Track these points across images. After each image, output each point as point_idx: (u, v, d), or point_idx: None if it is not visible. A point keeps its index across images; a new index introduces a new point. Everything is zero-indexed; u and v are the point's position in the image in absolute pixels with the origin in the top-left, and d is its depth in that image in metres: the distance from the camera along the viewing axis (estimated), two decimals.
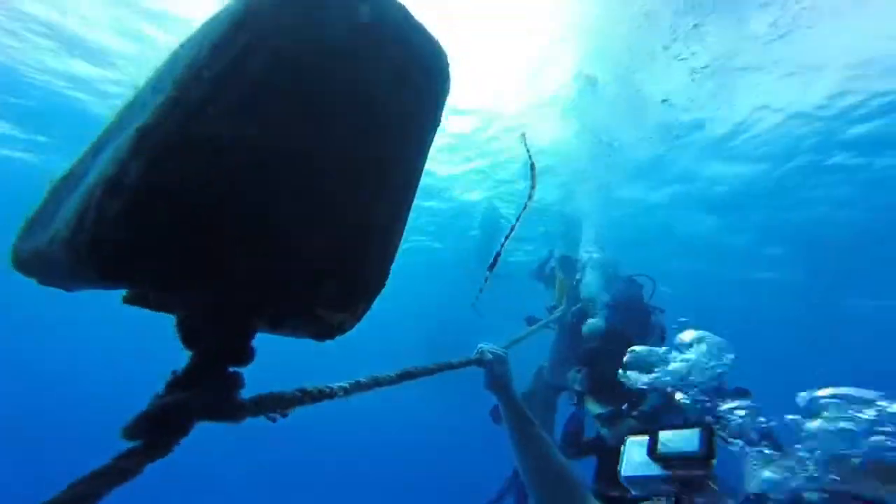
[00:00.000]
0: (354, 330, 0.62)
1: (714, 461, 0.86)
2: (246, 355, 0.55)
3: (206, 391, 0.52)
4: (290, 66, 0.53)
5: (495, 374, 1.87)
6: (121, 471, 0.43)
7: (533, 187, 1.65)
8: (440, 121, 0.69)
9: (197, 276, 0.49)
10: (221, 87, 0.50)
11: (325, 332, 0.60)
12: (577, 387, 2.90)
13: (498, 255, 1.59)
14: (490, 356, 1.89)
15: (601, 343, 3.02)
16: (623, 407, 2.45)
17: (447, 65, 0.68)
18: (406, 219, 0.65)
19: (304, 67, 0.54)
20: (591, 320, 3.31)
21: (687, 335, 1.85)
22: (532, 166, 1.74)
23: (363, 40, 0.58)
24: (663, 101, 6.17)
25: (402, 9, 0.63)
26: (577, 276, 3.98)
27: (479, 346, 1.96)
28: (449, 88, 0.69)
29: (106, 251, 0.43)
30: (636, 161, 7.63)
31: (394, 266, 0.63)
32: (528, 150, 2.08)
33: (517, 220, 1.69)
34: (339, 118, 0.57)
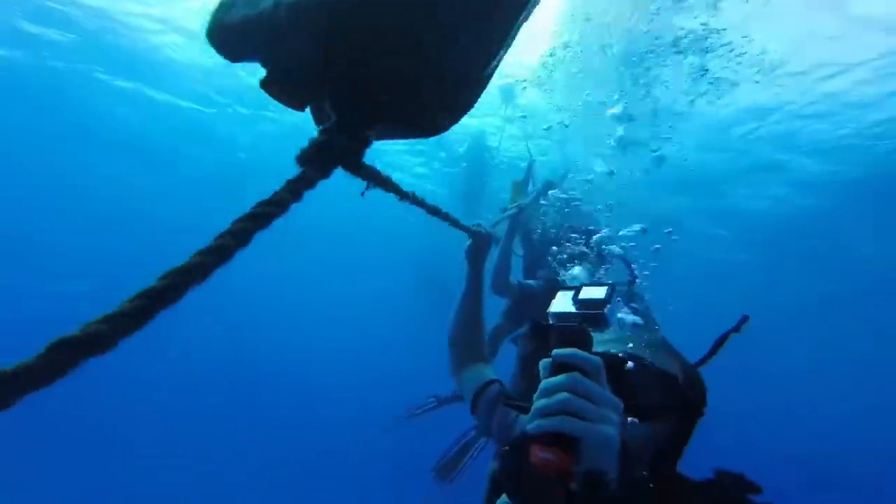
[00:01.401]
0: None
1: (608, 305, 1.23)
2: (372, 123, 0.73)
3: (345, 140, 0.70)
4: None
5: (478, 245, 2.12)
6: (306, 179, 0.62)
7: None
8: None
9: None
10: None
11: (428, 126, 0.77)
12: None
13: None
14: (483, 231, 2.12)
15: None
16: None
17: None
18: (496, 68, 0.78)
19: None
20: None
21: None
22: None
23: None
24: None
25: None
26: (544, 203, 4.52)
27: (479, 222, 2.18)
28: None
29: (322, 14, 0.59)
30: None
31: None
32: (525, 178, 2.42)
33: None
34: None
